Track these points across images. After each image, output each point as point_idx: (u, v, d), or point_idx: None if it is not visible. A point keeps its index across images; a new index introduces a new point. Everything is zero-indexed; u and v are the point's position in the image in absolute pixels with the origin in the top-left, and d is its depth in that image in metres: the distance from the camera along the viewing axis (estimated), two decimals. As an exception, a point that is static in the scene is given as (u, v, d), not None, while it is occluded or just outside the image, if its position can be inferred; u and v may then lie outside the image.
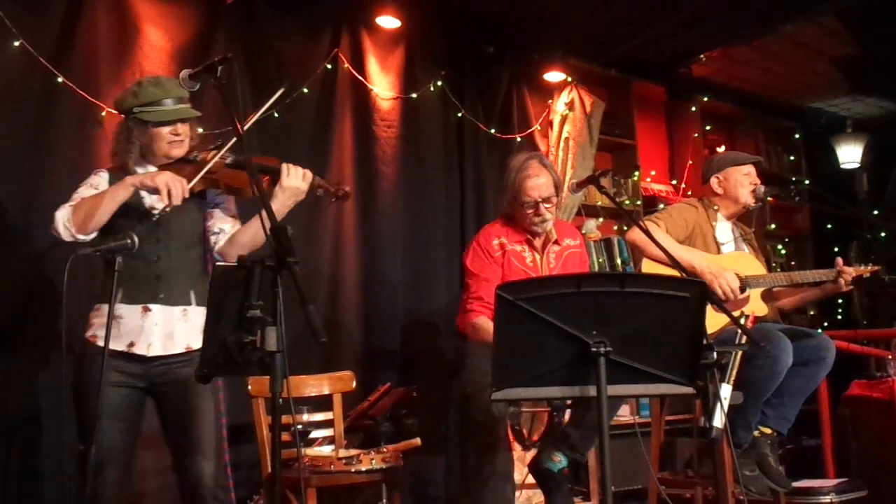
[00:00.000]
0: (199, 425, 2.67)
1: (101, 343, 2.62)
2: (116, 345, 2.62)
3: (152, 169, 2.77)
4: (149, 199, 2.71)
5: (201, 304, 2.74)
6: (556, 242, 3.59)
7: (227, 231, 2.81)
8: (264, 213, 2.15)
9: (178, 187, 2.56)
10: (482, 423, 3.19)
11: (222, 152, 2.75)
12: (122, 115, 2.81)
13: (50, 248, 3.36)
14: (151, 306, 2.67)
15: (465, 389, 3.33)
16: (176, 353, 2.69)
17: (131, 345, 2.64)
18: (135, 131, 2.75)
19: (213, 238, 2.81)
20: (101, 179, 2.75)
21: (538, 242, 3.54)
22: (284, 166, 2.74)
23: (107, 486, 2.58)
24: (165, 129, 2.75)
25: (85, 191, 2.71)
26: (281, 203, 2.71)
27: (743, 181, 3.77)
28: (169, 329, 2.68)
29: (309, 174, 2.76)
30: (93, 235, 2.63)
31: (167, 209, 2.58)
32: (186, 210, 2.74)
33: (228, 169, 2.78)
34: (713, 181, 3.81)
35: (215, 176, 2.75)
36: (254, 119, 2.85)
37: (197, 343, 2.70)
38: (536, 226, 3.46)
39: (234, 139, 2.74)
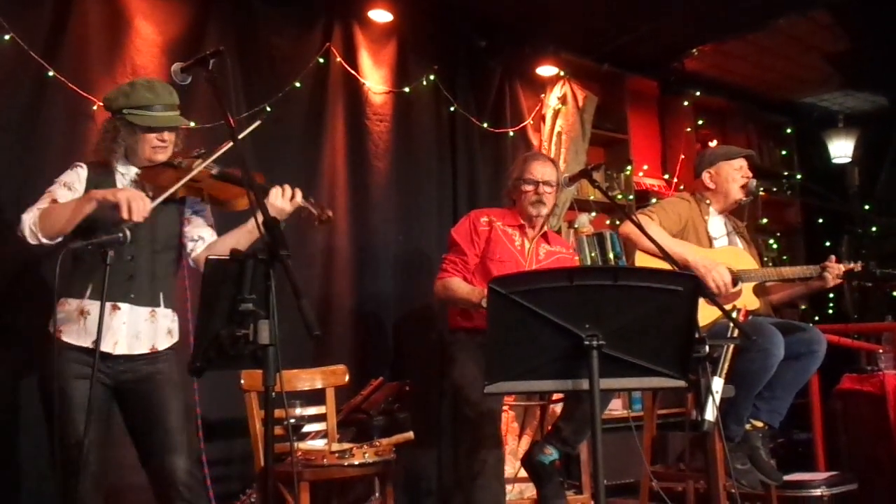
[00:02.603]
0: (166, 421, 2.67)
1: (64, 338, 2.62)
2: (82, 341, 2.61)
3: (133, 169, 2.78)
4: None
5: (169, 307, 2.78)
6: (547, 241, 3.65)
7: (206, 239, 2.83)
8: (258, 218, 2.10)
9: (139, 204, 2.52)
10: (472, 420, 3.21)
11: (207, 162, 2.72)
12: (110, 112, 2.79)
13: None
14: (121, 305, 2.66)
15: (455, 385, 3.34)
16: (140, 353, 2.71)
17: (94, 342, 2.61)
18: (122, 132, 2.75)
19: (190, 245, 2.84)
20: (76, 177, 2.73)
21: (531, 233, 3.60)
22: (274, 188, 2.75)
23: (87, 480, 2.56)
24: (152, 135, 2.74)
25: (58, 190, 2.69)
26: None
27: (734, 175, 3.78)
28: (136, 329, 2.69)
29: (298, 197, 2.78)
30: (58, 240, 2.62)
31: (128, 225, 2.53)
32: (164, 214, 2.74)
33: (213, 180, 2.77)
34: (705, 176, 3.82)
35: (199, 185, 2.74)
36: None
37: (162, 344, 2.75)
38: (533, 206, 3.55)
39: (221, 148, 2.73)
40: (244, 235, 2.76)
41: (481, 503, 3.18)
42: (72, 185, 2.71)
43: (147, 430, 2.70)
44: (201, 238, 2.83)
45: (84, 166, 2.78)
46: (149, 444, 2.69)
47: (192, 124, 2.82)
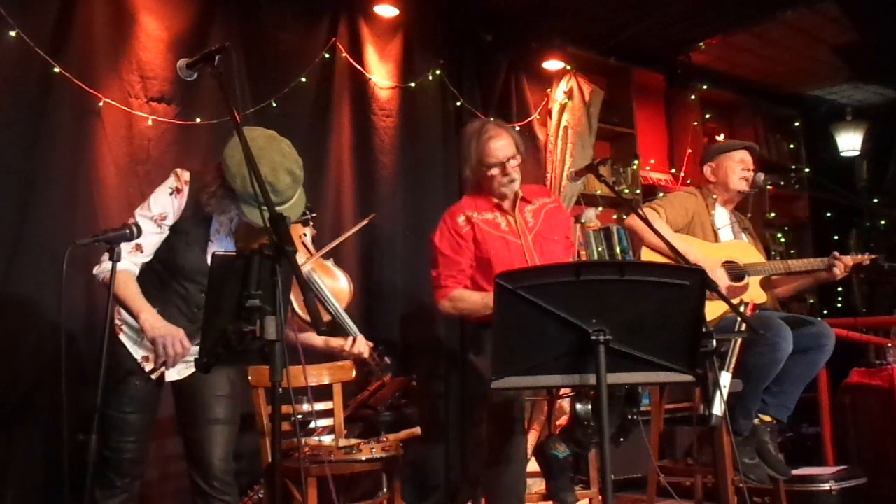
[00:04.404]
0: (211, 413, 2.68)
1: (122, 338, 2.63)
2: (134, 351, 2.64)
3: (233, 223, 2.68)
4: (216, 245, 2.66)
5: None
6: (528, 201, 3.46)
7: None
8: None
9: (175, 353, 2.44)
10: (499, 405, 3.14)
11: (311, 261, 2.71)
12: (223, 173, 2.56)
13: (47, 239, 3.36)
14: None
15: (480, 372, 3.26)
16: (189, 374, 2.71)
17: (146, 359, 2.63)
18: (227, 201, 2.60)
19: None
20: (171, 208, 2.60)
21: (507, 205, 3.42)
22: (351, 338, 2.88)
23: (123, 470, 2.58)
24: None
25: (146, 226, 2.55)
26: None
27: (735, 168, 3.77)
28: (187, 359, 2.65)
29: (366, 353, 2.89)
30: None
31: (155, 370, 2.51)
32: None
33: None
34: (706, 170, 3.83)
35: None
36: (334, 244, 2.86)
37: None
38: (505, 187, 3.35)
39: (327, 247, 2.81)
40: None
41: (509, 487, 3.09)
42: (166, 217, 2.60)
43: (191, 420, 2.71)
44: None
45: (184, 192, 2.62)
46: (191, 434, 2.71)
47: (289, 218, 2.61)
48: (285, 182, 2.53)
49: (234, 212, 2.65)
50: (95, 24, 3.66)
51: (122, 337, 2.64)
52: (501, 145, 3.33)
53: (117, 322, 2.67)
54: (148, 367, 2.63)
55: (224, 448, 2.68)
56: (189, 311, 2.64)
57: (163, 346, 2.44)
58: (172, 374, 2.68)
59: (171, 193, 2.62)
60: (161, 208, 2.60)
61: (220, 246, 2.67)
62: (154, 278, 2.64)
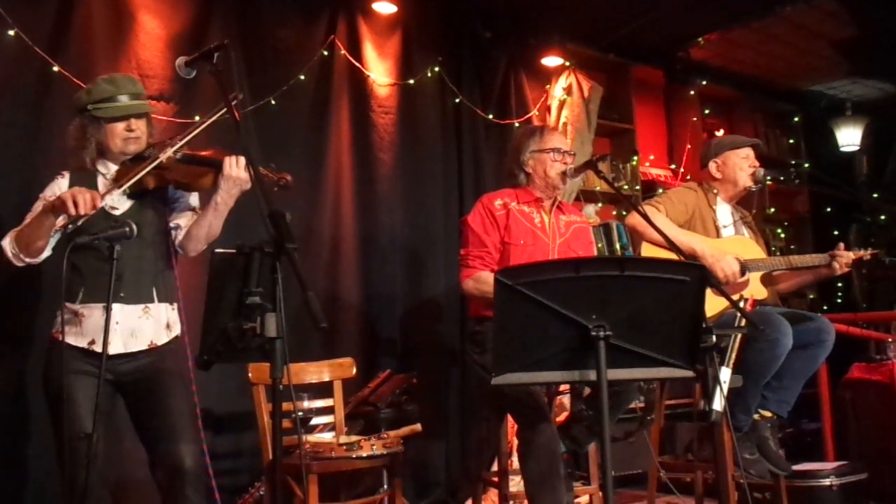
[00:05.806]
0: (171, 412, 2.66)
1: (66, 339, 2.61)
2: (78, 342, 2.62)
3: (112, 167, 2.76)
4: (109, 200, 2.69)
5: (164, 301, 2.75)
6: (563, 211, 3.52)
7: (182, 226, 2.79)
8: (262, 206, 2.11)
9: (83, 197, 2.48)
10: (518, 398, 3.09)
11: (175, 147, 2.70)
12: (79, 114, 2.77)
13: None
14: (112, 305, 2.61)
15: (489, 369, 3.24)
16: (139, 350, 2.68)
17: (92, 342, 2.62)
18: (89, 128, 2.73)
19: (173, 233, 2.80)
20: (57, 188, 2.72)
21: (547, 205, 3.44)
22: (227, 158, 2.70)
23: (93, 474, 2.56)
24: (120, 126, 2.72)
25: (38, 207, 2.68)
26: (225, 192, 2.68)
27: (741, 164, 3.77)
28: (130, 327, 2.67)
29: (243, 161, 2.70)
30: (46, 255, 2.65)
31: (79, 222, 2.50)
32: (146, 208, 2.73)
33: (180, 164, 2.73)
34: (711, 165, 3.81)
35: (165, 172, 2.70)
36: (194, 133, 2.76)
37: (160, 339, 2.72)
38: (558, 177, 3.36)
39: (188, 133, 2.74)
40: (211, 215, 2.72)
41: (552, 473, 3.02)
42: (54, 196, 2.67)
43: (150, 419, 2.68)
44: (179, 226, 2.79)
45: (66, 174, 2.76)
46: (153, 434, 2.68)
47: (153, 110, 2.84)
48: (125, 79, 2.79)
49: (100, 163, 2.76)
50: (94, 23, 3.66)
51: (67, 338, 2.62)
52: (561, 138, 3.55)
53: (53, 332, 2.67)
54: (98, 342, 2.59)
55: (192, 439, 2.65)
56: (107, 264, 2.58)
57: (70, 195, 2.48)
58: (118, 346, 2.63)
59: (53, 181, 2.77)
60: (48, 191, 2.73)
61: (109, 197, 2.69)
62: (77, 278, 2.65)
